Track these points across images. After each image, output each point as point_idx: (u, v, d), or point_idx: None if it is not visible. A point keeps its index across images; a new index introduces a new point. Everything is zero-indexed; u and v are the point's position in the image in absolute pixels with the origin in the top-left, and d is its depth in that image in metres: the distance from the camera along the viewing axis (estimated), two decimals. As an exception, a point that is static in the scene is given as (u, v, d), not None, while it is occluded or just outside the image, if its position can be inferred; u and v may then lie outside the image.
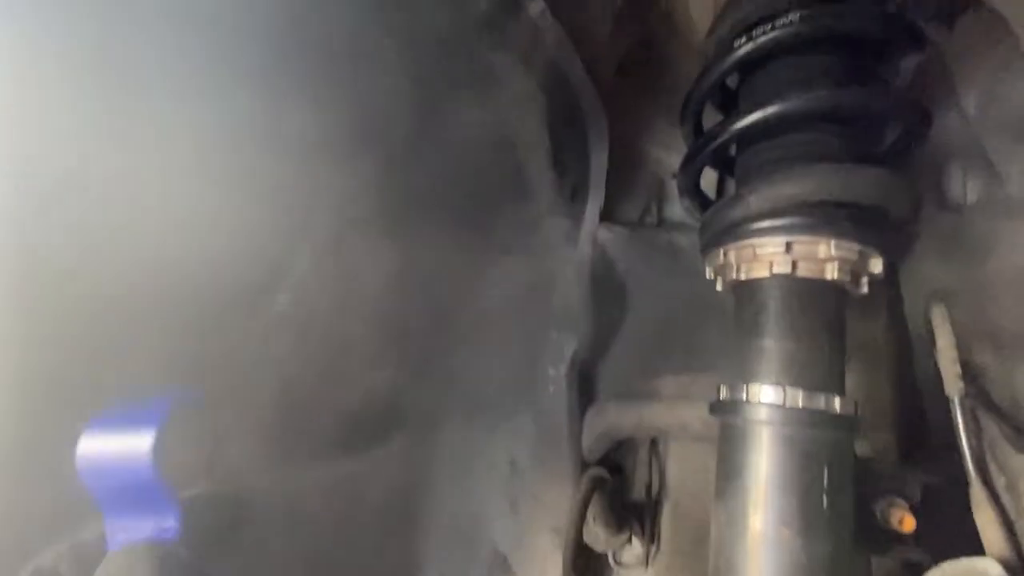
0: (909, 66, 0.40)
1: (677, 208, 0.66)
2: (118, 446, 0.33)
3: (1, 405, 0.33)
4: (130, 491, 0.34)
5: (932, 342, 0.47)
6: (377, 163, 0.54)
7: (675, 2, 0.51)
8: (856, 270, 0.37)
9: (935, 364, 0.46)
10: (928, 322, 0.47)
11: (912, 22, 0.38)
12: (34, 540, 0.34)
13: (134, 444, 0.33)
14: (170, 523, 0.35)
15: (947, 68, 0.50)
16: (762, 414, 0.35)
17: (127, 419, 0.34)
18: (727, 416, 0.38)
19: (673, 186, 0.67)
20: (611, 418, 0.58)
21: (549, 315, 0.63)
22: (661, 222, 0.67)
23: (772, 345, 0.37)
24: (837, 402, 0.35)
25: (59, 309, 0.34)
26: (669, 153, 0.64)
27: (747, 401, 0.36)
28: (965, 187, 0.50)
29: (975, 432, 0.42)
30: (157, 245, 0.36)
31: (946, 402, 0.44)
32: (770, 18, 0.41)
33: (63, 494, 0.34)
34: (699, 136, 0.50)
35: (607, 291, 0.62)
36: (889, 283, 0.47)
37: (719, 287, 0.44)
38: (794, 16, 0.39)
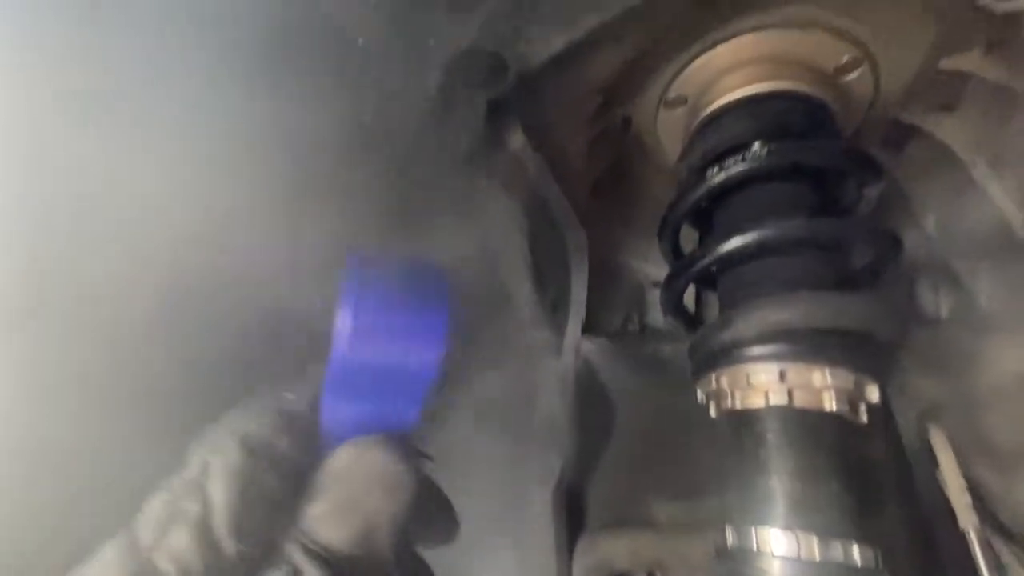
0: (872, 194, 0.42)
1: (658, 315, 0.66)
2: (403, 317, 0.28)
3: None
4: (390, 369, 0.28)
5: (932, 463, 0.46)
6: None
7: (645, 129, 0.54)
8: (853, 399, 0.36)
9: (938, 486, 0.44)
10: (926, 443, 0.46)
11: (871, 157, 0.40)
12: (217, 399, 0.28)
13: (423, 319, 0.28)
14: (414, 412, 0.30)
15: (902, 190, 0.53)
16: (775, 567, 0.32)
17: (412, 286, 0.29)
18: (738, 566, 0.34)
19: (653, 294, 0.67)
20: (603, 550, 0.53)
21: (532, 431, 0.60)
22: (643, 329, 0.66)
23: (777, 484, 0.34)
24: (856, 551, 0.32)
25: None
26: (646, 263, 0.65)
27: (758, 551, 0.33)
28: (937, 301, 0.51)
29: (996, 567, 0.39)
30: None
31: (957, 527, 0.42)
32: (739, 148, 0.44)
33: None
34: (678, 254, 0.50)
35: (593, 405, 0.60)
36: (880, 402, 0.46)
37: (713, 413, 0.42)
38: (762, 150, 0.41)
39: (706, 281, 0.52)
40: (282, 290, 0.49)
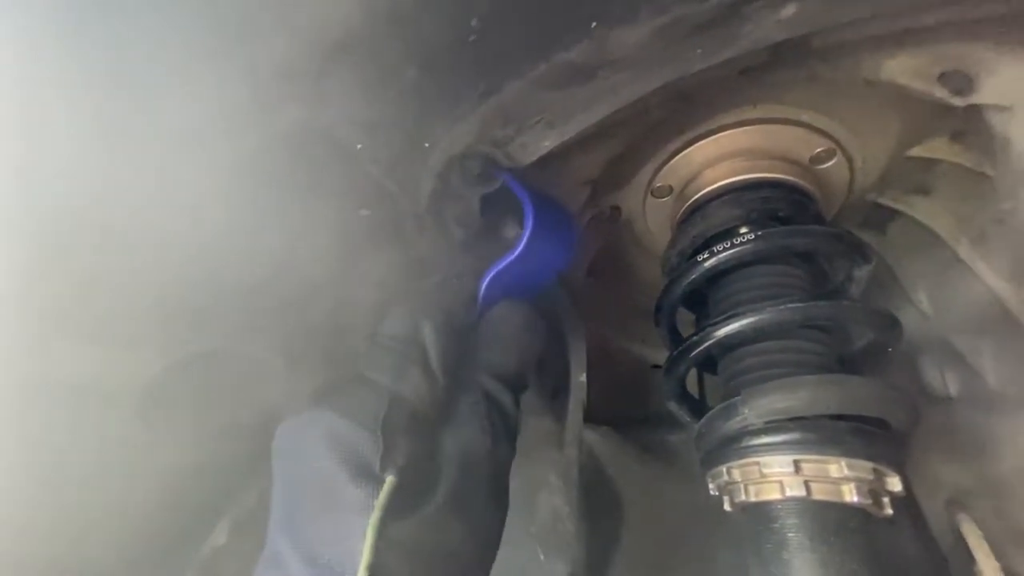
0: (862, 276, 0.43)
1: (661, 399, 0.64)
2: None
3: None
4: (537, 264, 0.39)
5: (967, 557, 0.43)
6: (348, 372, 0.51)
7: (634, 216, 0.56)
8: (875, 490, 0.34)
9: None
10: (957, 535, 0.43)
11: (859, 240, 0.41)
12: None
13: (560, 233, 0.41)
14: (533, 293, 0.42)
15: (890, 268, 0.54)
16: None
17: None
18: None
19: (654, 377, 0.66)
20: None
21: (534, 532, 0.55)
22: (647, 415, 0.64)
23: (805, 587, 0.32)
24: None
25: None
26: (644, 346, 0.65)
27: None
28: (944, 379, 0.50)
29: None
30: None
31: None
32: (727, 234, 0.45)
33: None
34: (676, 338, 0.50)
35: (600, 500, 0.56)
36: (904, 492, 0.44)
37: (727, 507, 0.39)
38: (750, 235, 0.42)
39: (707, 364, 0.51)
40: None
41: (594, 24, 0.24)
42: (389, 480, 0.29)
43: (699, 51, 0.26)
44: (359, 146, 0.30)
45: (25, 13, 0.28)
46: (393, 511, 0.28)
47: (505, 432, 0.36)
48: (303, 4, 0.24)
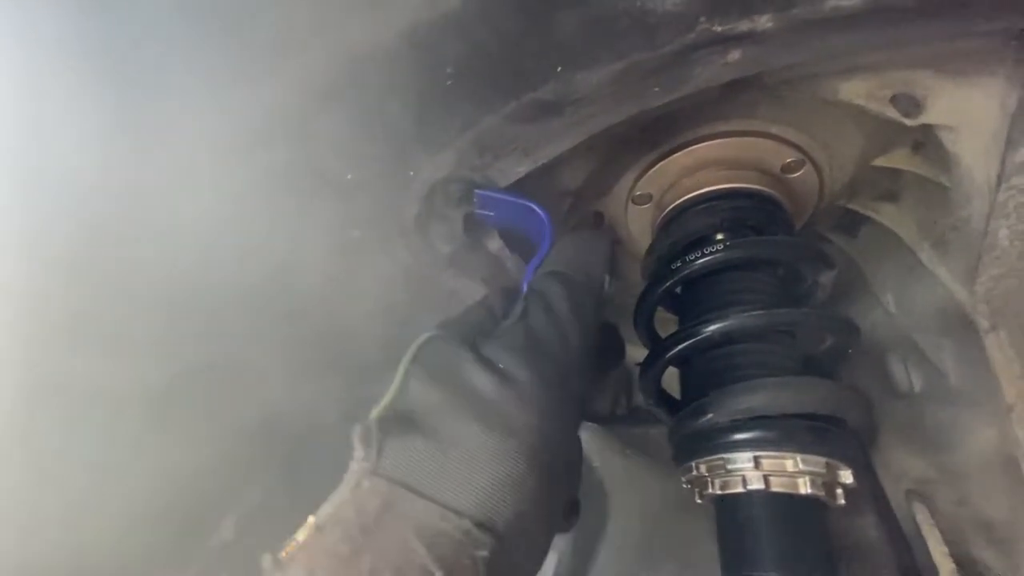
0: (826, 281, 0.45)
1: (645, 395, 0.67)
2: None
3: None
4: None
5: (924, 541, 0.46)
6: (346, 378, 0.54)
7: (617, 222, 0.58)
8: (828, 482, 0.37)
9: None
10: (914, 520, 0.46)
11: (820, 249, 0.44)
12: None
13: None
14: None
15: (861, 271, 0.57)
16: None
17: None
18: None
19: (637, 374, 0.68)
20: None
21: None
22: (632, 411, 0.67)
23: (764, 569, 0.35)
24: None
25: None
26: (631, 346, 0.67)
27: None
28: (909, 376, 0.53)
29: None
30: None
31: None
32: (701, 242, 0.47)
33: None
34: (653, 339, 0.53)
35: (586, 493, 0.59)
36: (868, 476, 0.47)
37: (697, 499, 0.43)
38: (720, 245, 0.45)
39: (686, 364, 0.54)
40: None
41: (559, 68, 0.27)
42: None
43: (656, 89, 0.29)
44: (348, 176, 0.32)
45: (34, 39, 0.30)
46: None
47: (580, 327, 0.35)
48: (290, 54, 0.27)
